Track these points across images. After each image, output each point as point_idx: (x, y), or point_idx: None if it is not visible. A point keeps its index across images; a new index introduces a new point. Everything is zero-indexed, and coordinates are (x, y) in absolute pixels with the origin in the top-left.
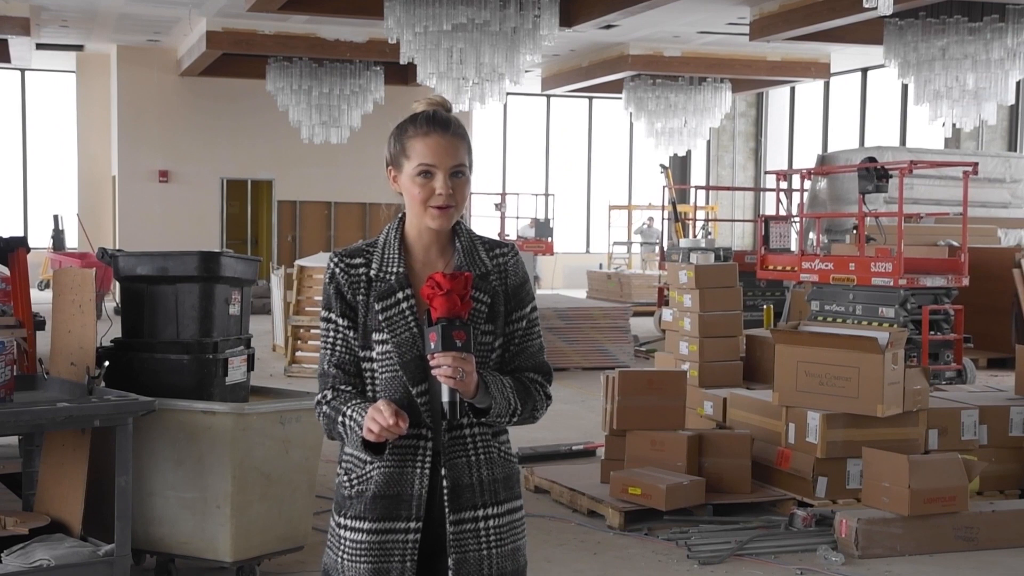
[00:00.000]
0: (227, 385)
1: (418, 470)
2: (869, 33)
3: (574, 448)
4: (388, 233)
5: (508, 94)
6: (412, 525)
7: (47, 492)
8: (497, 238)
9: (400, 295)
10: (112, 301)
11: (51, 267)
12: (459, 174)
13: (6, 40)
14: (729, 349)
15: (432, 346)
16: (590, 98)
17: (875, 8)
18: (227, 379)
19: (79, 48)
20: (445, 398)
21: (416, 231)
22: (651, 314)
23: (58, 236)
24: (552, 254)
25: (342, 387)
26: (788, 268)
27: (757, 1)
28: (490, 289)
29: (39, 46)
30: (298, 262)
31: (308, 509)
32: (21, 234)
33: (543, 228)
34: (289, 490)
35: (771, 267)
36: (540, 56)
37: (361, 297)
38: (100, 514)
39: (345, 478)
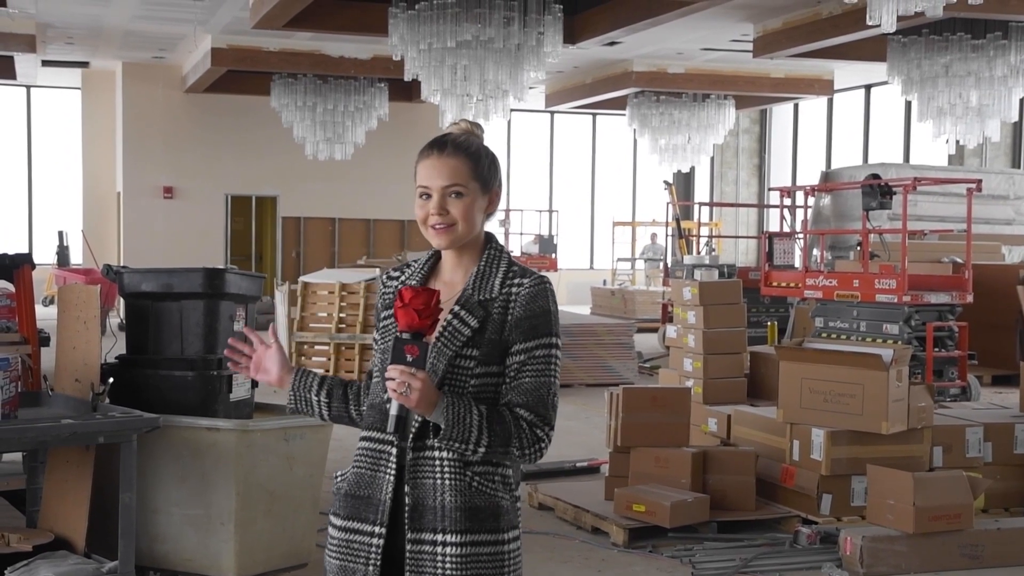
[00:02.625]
0: (231, 402)
1: (386, 476)
2: (872, 50)
3: (578, 465)
4: (429, 252)
5: (512, 111)
6: (376, 530)
7: (51, 509)
8: (532, 268)
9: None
10: (116, 317)
11: (55, 283)
12: (454, 194)
13: (12, 57)
14: (733, 366)
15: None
16: (594, 114)
17: (878, 25)
18: (231, 396)
19: (84, 65)
20: (393, 411)
21: (444, 252)
22: (655, 331)
23: (62, 252)
24: (556, 270)
25: (364, 383)
26: (792, 285)
27: (760, 18)
28: (483, 314)
29: (45, 63)
30: (302, 278)
31: (312, 526)
32: (26, 251)
33: (547, 244)
34: (293, 507)
35: (775, 284)
36: (544, 73)
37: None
38: (104, 531)
39: (338, 473)
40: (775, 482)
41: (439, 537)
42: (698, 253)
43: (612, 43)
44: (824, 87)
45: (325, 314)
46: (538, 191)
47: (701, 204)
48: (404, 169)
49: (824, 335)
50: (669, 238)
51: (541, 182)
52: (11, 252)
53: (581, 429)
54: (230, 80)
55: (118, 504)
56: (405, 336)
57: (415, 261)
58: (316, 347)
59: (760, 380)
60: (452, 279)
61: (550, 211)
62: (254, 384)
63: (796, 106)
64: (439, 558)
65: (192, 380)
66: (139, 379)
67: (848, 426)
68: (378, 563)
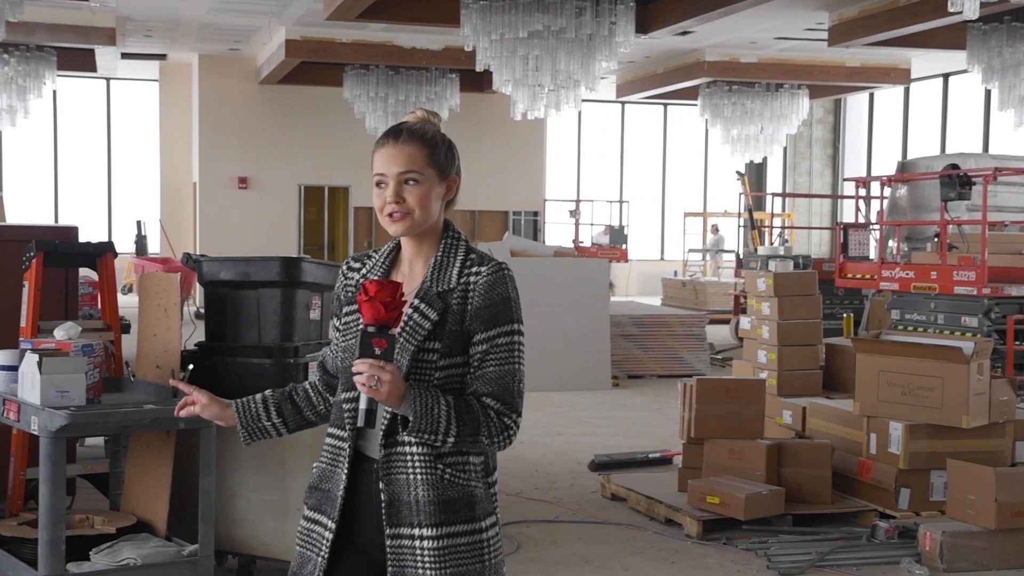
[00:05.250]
0: None
1: (341, 473)
2: (951, 38)
3: (650, 456)
4: (391, 242)
5: (583, 101)
6: (330, 524)
7: (133, 492)
8: (489, 255)
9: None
10: (193, 305)
11: (134, 272)
12: (411, 181)
13: (93, 50)
14: (808, 358)
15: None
16: (665, 104)
17: (960, 12)
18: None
19: (162, 57)
20: (362, 405)
21: (403, 241)
22: (727, 322)
23: (141, 241)
24: (626, 261)
25: (310, 382)
26: (867, 276)
27: (836, 6)
28: (442, 306)
29: (124, 55)
30: None
31: None
32: (106, 239)
33: (617, 235)
34: None
35: (850, 275)
36: (616, 63)
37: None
38: (184, 515)
39: (315, 465)
40: (851, 476)
41: (416, 531)
42: (771, 244)
43: (684, 32)
44: (901, 76)
45: None
46: (609, 182)
47: (774, 195)
48: (475, 160)
49: (901, 328)
50: (741, 229)
51: (612, 173)
52: (94, 241)
53: (652, 420)
54: (303, 71)
55: (198, 488)
56: (371, 330)
57: (375, 252)
58: None
59: (836, 372)
60: (412, 269)
61: (620, 202)
62: None
63: (871, 95)
64: (418, 552)
65: (269, 367)
66: (217, 366)
67: (927, 420)
68: (326, 555)
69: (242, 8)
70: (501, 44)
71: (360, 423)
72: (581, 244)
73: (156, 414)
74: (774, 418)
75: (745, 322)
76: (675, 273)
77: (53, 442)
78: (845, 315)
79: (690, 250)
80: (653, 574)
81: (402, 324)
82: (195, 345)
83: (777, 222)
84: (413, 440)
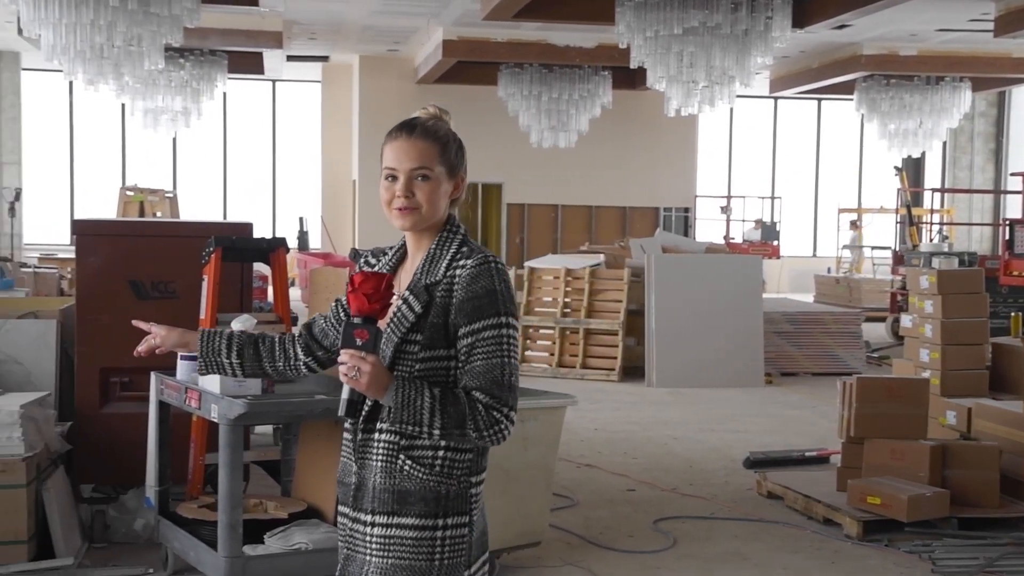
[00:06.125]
0: None
1: (351, 463)
2: None
3: (807, 454)
4: (403, 238)
5: (736, 96)
6: (347, 512)
7: (303, 479)
8: (480, 248)
9: None
10: None
11: (296, 267)
12: (421, 177)
13: (260, 53)
14: (974, 357)
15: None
16: (819, 99)
17: None
18: None
19: (325, 59)
20: (344, 395)
21: (407, 236)
22: (883, 320)
23: (303, 237)
24: (778, 257)
25: (290, 335)
26: None
27: None
28: (427, 299)
29: (289, 58)
30: (528, 263)
31: (545, 506)
32: (271, 235)
33: (769, 231)
34: (527, 487)
35: (1016, 272)
36: (771, 58)
37: None
38: None
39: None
40: (1021, 479)
41: (368, 517)
42: (930, 240)
43: (841, 26)
44: None
45: (550, 299)
46: (760, 177)
47: (933, 190)
48: (626, 157)
49: None
50: (898, 225)
51: (763, 168)
52: (268, 237)
53: (807, 418)
54: (459, 71)
55: None
56: (356, 321)
57: (390, 248)
58: (541, 331)
59: (1003, 373)
60: (414, 263)
61: (772, 198)
62: None
63: None
64: (367, 538)
65: None
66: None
67: None
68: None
69: (402, 10)
70: (656, 41)
71: (341, 413)
72: (732, 240)
73: (326, 404)
74: (937, 418)
75: (906, 320)
76: (828, 270)
77: (231, 429)
78: (1013, 314)
79: (844, 246)
80: (812, 574)
81: (390, 315)
82: None
83: (936, 218)
84: (384, 428)
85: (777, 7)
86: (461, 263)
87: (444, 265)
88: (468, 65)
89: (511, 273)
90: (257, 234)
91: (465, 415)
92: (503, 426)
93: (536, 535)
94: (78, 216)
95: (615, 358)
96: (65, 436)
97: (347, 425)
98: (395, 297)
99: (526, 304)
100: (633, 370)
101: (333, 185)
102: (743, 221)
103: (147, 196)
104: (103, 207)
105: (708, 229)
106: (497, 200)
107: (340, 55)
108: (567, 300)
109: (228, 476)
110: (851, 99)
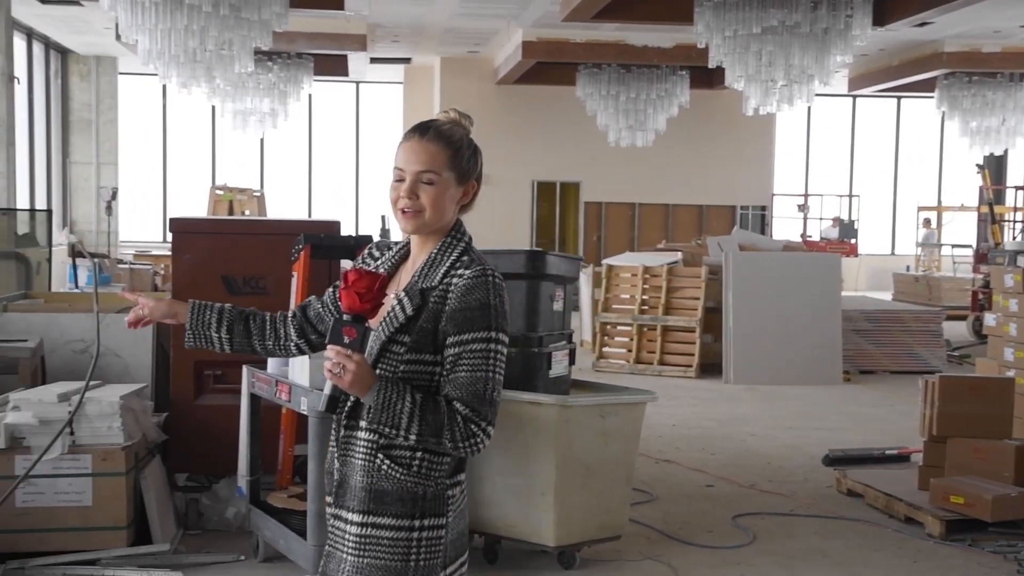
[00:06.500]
0: (550, 378)
1: (334, 456)
2: None
3: (887, 452)
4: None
5: (815, 95)
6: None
7: None
8: (481, 259)
9: None
10: None
11: None
12: (428, 180)
13: (345, 56)
14: None
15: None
16: (898, 97)
17: None
18: (550, 372)
19: (407, 61)
20: (326, 391)
21: (411, 237)
22: (963, 318)
23: (385, 234)
24: (856, 255)
25: (282, 313)
26: None
27: None
28: (419, 302)
29: (372, 60)
30: (606, 261)
31: (625, 500)
32: (353, 233)
33: (847, 229)
34: (608, 481)
35: None
36: (851, 56)
37: None
38: None
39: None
40: None
41: (348, 515)
42: (1012, 238)
43: (922, 24)
44: None
45: (628, 296)
46: (838, 175)
47: (1016, 188)
48: (703, 155)
49: None
50: (981, 223)
51: (841, 166)
52: (354, 235)
53: (886, 416)
54: (538, 71)
55: None
56: (346, 318)
57: (395, 243)
58: (619, 328)
59: None
60: (415, 265)
61: (850, 196)
62: (571, 361)
63: None
64: (346, 535)
65: (514, 356)
66: None
67: None
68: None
69: (483, 12)
70: (735, 40)
71: (321, 408)
72: (809, 238)
73: None
74: (1021, 418)
75: (990, 319)
76: (907, 268)
77: (320, 422)
78: None
79: (917, 244)
80: (894, 572)
81: (383, 313)
82: None
83: (1019, 216)
84: (364, 426)
85: (857, 5)
86: (460, 272)
87: (442, 271)
88: (547, 66)
89: (588, 270)
90: (342, 232)
91: (443, 424)
92: (479, 439)
93: (616, 529)
94: (172, 215)
95: (692, 355)
96: (161, 427)
97: (334, 418)
98: (391, 295)
99: (604, 301)
100: (710, 367)
101: None
102: (820, 219)
103: (236, 195)
104: (194, 206)
105: (785, 227)
106: (575, 198)
107: (422, 57)
108: (644, 297)
109: (316, 467)
110: (931, 97)
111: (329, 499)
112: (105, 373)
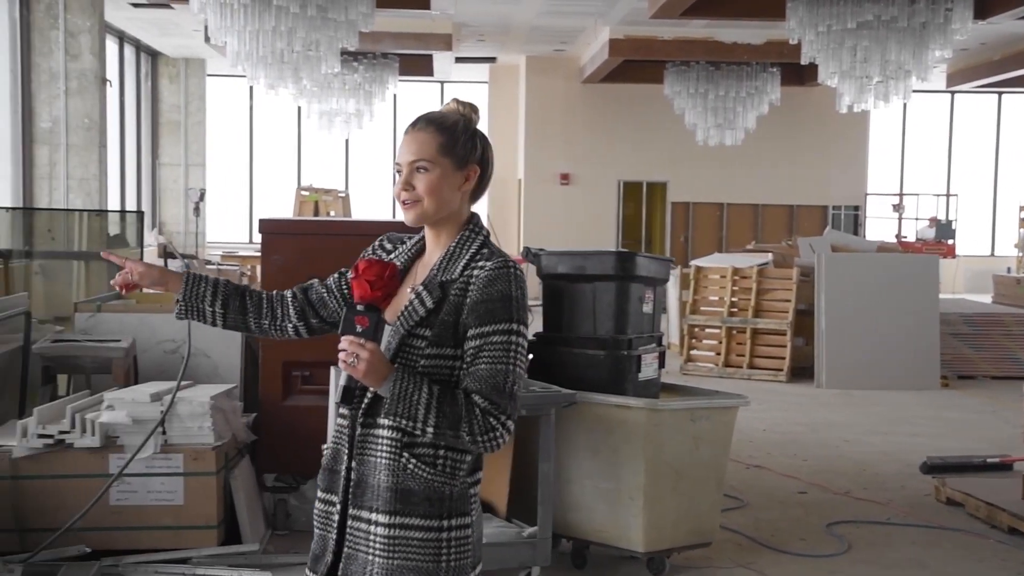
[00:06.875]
0: (640, 381)
1: (345, 451)
2: None
3: (988, 460)
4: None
5: (912, 91)
6: (339, 500)
7: None
8: (501, 253)
9: None
10: None
11: None
12: (421, 169)
13: (431, 56)
14: None
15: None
16: (999, 93)
17: None
18: (640, 375)
19: (492, 60)
20: (341, 381)
21: (426, 230)
22: None
23: None
24: (953, 257)
25: (280, 292)
26: None
27: None
28: (440, 295)
29: (458, 59)
30: (695, 262)
31: (716, 506)
32: None
33: (944, 230)
34: (698, 486)
35: None
36: (950, 51)
37: None
38: (523, 498)
39: (324, 447)
40: None
41: (372, 516)
42: None
43: None
44: None
45: (716, 298)
46: (935, 174)
47: None
48: (794, 154)
49: None
50: None
51: (939, 165)
52: None
53: (987, 423)
54: (624, 69)
55: (537, 473)
56: (359, 308)
57: (409, 237)
58: (707, 330)
59: None
60: (431, 259)
61: (948, 195)
62: (661, 364)
63: None
64: (371, 537)
65: (603, 359)
66: (554, 356)
67: None
68: (334, 532)
69: (570, 10)
70: (828, 36)
71: (336, 399)
72: (904, 239)
73: None
74: None
75: None
76: (1008, 269)
77: None
78: None
79: (1015, 245)
80: None
81: (401, 307)
82: (533, 335)
83: None
84: (387, 423)
85: None
86: (480, 264)
87: (462, 264)
88: (634, 64)
89: (676, 272)
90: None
91: (461, 417)
92: (498, 433)
93: (707, 535)
94: (258, 216)
95: (783, 358)
96: (250, 427)
97: (343, 412)
98: (408, 290)
99: (692, 303)
100: (801, 371)
101: (499, 184)
102: (916, 219)
103: (321, 196)
104: (280, 207)
105: (879, 227)
106: (662, 198)
107: (507, 56)
108: (734, 299)
109: None
110: None
111: (332, 496)
112: (195, 373)
